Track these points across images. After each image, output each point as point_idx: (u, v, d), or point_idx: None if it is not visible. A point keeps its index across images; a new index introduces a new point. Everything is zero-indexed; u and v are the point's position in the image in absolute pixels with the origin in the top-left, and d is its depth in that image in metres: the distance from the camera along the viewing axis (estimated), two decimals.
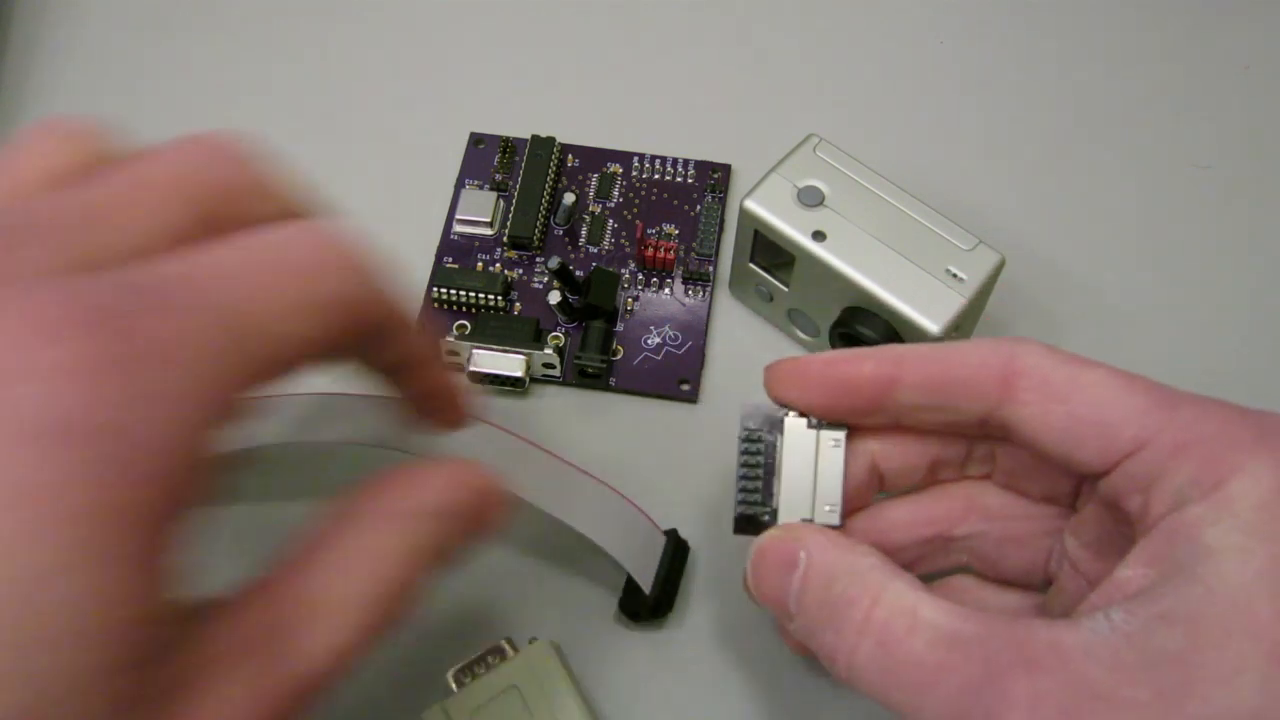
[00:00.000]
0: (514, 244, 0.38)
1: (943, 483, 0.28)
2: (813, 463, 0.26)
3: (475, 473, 0.23)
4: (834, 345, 0.34)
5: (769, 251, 0.34)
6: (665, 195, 0.40)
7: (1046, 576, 0.27)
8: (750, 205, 0.33)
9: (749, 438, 0.26)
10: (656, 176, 0.40)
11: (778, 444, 0.26)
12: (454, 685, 0.29)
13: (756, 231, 0.34)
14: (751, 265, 0.36)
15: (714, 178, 0.40)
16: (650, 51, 0.44)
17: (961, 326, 0.33)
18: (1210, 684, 0.19)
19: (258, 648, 0.20)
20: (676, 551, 0.31)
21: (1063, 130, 0.42)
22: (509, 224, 0.38)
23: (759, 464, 0.26)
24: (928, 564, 0.28)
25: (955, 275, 0.32)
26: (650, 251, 0.38)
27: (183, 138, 0.21)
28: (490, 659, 0.29)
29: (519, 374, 0.35)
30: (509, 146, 0.41)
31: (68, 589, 0.15)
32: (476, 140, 0.41)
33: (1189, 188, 0.41)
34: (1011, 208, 0.40)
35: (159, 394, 0.16)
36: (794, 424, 0.26)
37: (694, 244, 0.39)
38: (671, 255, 0.38)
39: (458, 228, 0.39)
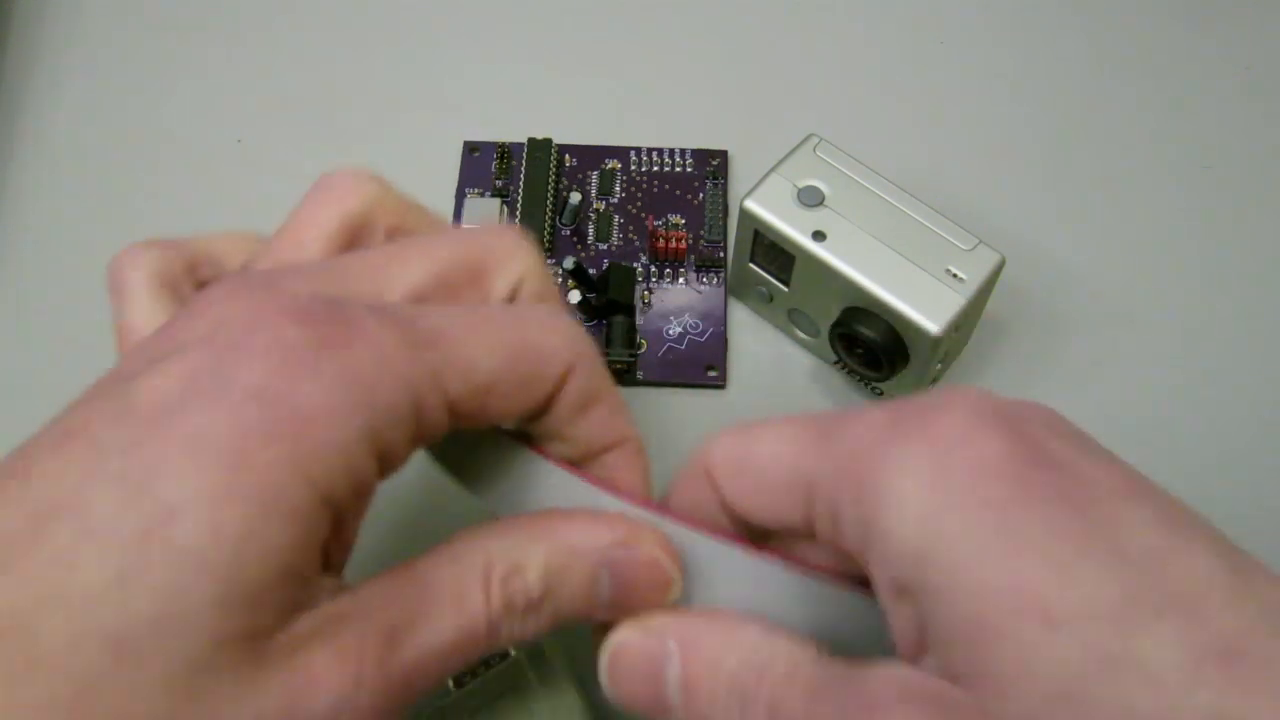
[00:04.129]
0: None
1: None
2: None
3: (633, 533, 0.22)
4: (834, 345, 0.34)
5: (769, 252, 0.34)
6: (667, 186, 0.40)
7: None
8: (750, 205, 0.33)
9: None
10: (655, 168, 0.40)
11: None
12: (453, 686, 0.29)
13: (756, 231, 0.34)
14: (751, 265, 0.36)
15: (713, 164, 0.40)
16: (635, 45, 0.44)
17: (961, 326, 0.33)
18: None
19: (378, 625, 0.20)
20: None
21: (1063, 130, 0.42)
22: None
23: None
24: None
25: (955, 275, 0.32)
26: (662, 243, 0.38)
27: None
28: (490, 659, 0.29)
29: None
30: (505, 152, 0.40)
31: (195, 522, 0.17)
32: (471, 148, 0.41)
33: (1189, 188, 0.41)
34: (1011, 208, 0.40)
35: (334, 380, 0.18)
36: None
37: (702, 231, 0.39)
38: (684, 245, 0.38)
39: None
